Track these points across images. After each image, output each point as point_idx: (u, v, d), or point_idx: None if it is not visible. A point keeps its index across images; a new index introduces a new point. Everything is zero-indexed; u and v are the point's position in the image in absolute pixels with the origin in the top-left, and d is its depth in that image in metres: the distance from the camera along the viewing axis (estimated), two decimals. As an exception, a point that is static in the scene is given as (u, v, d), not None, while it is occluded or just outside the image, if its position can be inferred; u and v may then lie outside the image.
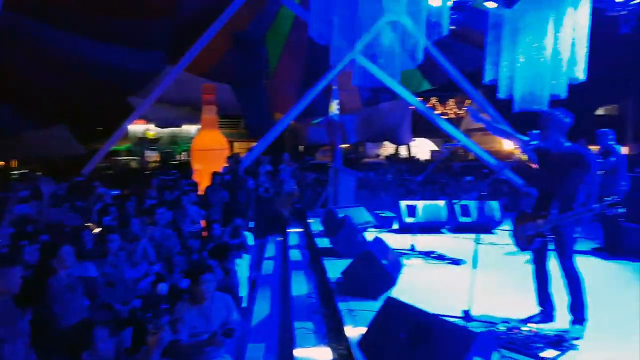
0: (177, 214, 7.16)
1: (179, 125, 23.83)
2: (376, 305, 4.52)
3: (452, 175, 16.66)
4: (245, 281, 5.97)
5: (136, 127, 24.09)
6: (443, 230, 8.90)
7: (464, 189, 12.85)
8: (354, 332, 3.98)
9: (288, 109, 11.14)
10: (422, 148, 30.93)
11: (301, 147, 23.90)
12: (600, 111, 26.47)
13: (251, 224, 8.82)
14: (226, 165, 9.86)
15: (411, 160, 25.49)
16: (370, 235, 7.11)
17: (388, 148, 30.10)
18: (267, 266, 7.47)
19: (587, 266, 6.20)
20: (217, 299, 3.82)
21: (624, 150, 18.33)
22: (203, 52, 12.04)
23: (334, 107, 10.04)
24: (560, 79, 9.12)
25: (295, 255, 7.50)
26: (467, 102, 24.62)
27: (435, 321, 2.88)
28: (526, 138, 4.27)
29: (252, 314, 5.60)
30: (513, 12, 8.74)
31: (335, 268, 5.80)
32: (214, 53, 13.16)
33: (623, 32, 11.42)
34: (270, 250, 8.60)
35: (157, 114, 16.93)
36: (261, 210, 9.53)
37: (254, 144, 12.68)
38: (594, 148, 7.96)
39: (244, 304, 5.62)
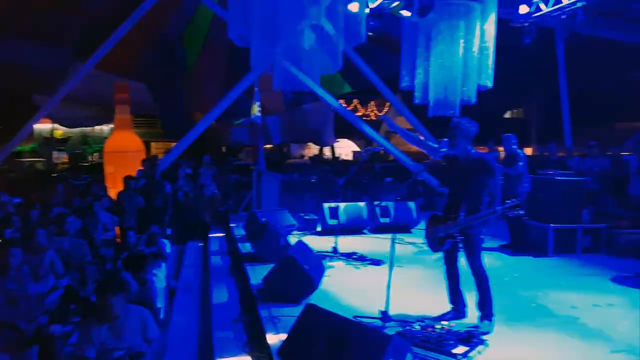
0: (87, 221, 6.78)
1: (90, 125, 22.55)
2: (299, 310, 4.57)
3: (373, 176, 17.09)
4: (162, 291, 5.76)
5: (42, 127, 22.50)
6: (365, 231, 9.10)
7: (384, 190, 13.25)
8: (275, 339, 3.97)
9: (208, 110, 10.89)
10: (346, 149, 31.50)
11: (224, 149, 23.50)
12: (507, 114, 28.30)
13: (169, 231, 8.51)
14: (141, 168, 9.46)
15: (335, 161, 25.86)
16: (294, 238, 7.14)
17: (312, 149, 30.35)
18: (187, 274, 7.26)
19: (495, 263, 6.68)
20: (131, 314, 3.66)
21: (528, 151, 19.61)
22: (116, 49, 11.48)
23: (256, 109, 9.97)
24: (471, 85, 9.61)
25: (216, 261, 7.36)
26: (388, 104, 25.40)
27: (352, 326, 2.94)
28: (436, 145, 4.47)
29: (170, 325, 5.42)
30: (426, 20, 9.09)
31: (258, 274, 5.76)
32: (127, 50, 12.58)
33: (525, 42, 12.27)
34: (190, 257, 8.37)
35: (66, 113, 15.92)
36: (180, 216, 9.25)
37: (173, 145, 12.29)
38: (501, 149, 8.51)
39: (162, 316, 5.43)
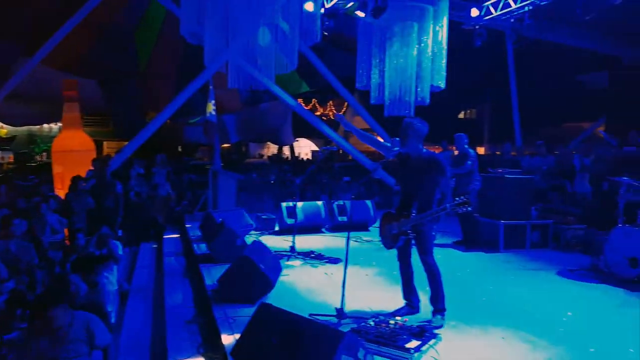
0: (34, 223, 6.52)
1: (37, 124, 21.65)
2: (253, 309, 4.55)
3: (332, 175, 17.19)
4: (114, 294, 5.60)
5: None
6: (323, 230, 9.14)
7: (342, 188, 13.35)
8: (230, 339, 3.93)
9: (161, 108, 10.65)
10: (305, 148, 31.53)
11: (180, 148, 23.08)
12: (461, 115, 29.01)
13: (121, 232, 8.29)
14: (91, 168, 9.17)
15: (295, 160, 25.83)
16: (252, 238, 7.10)
17: (271, 148, 30.23)
18: (140, 276, 7.10)
19: (448, 259, 6.85)
20: (76, 321, 3.51)
21: (481, 150, 20.11)
22: (64, 44, 11.05)
23: (211, 108, 9.84)
24: (425, 86, 9.82)
25: (171, 263, 7.22)
26: (346, 104, 25.56)
27: (304, 323, 2.94)
28: (389, 144, 4.53)
29: (122, 328, 5.29)
30: (380, 21, 9.21)
31: (213, 274, 5.70)
32: (76, 46, 12.16)
33: (477, 45, 12.63)
34: (144, 259, 8.19)
35: (12, 110, 15.23)
36: (132, 217, 9.01)
37: (125, 144, 11.95)
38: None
39: (113, 320, 5.28)
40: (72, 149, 11.96)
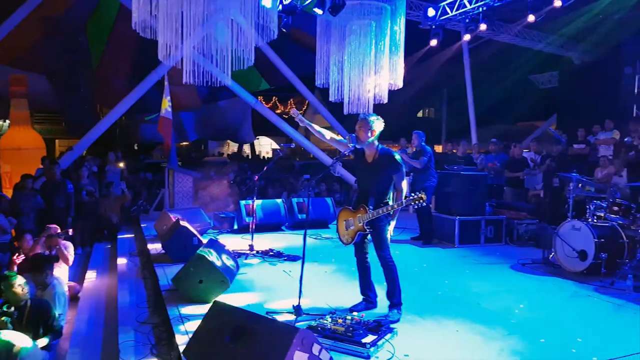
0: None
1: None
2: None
3: (293, 173, 17.16)
4: (64, 296, 5.39)
5: None
6: (283, 227, 9.09)
7: (302, 186, 13.33)
8: (184, 339, 3.84)
9: (115, 104, 10.34)
10: (267, 147, 31.37)
11: (136, 146, 22.54)
12: (420, 114, 29.48)
13: (72, 233, 7.99)
14: (41, 166, 8.81)
15: (256, 159, 25.66)
16: (209, 237, 6.97)
17: (232, 147, 29.90)
18: (92, 277, 6.87)
19: (406, 254, 6.93)
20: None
21: (438, 148, 20.53)
22: (10, 38, 10.55)
23: (167, 104, 9.62)
24: (382, 84, 9.89)
25: (124, 263, 7.02)
26: (307, 102, 25.55)
27: (257, 321, 2.90)
28: (345, 140, 4.53)
29: (73, 331, 5.10)
30: (339, 19, 9.22)
31: (168, 274, 5.57)
32: (24, 40, 11.64)
33: (433, 44, 12.83)
34: (97, 260, 7.94)
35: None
36: (84, 217, 8.72)
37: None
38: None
39: (63, 322, 5.08)
40: (20, 147, 11.50)
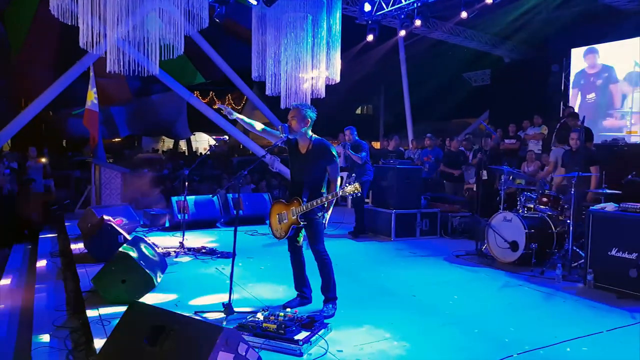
0: None
1: None
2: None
3: (230, 169, 16.80)
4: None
5: None
6: (218, 224, 8.79)
7: (239, 182, 13.02)
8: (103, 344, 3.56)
9: (37, 96, 9.62)
10: (204, 143, 30.59)
11: (64, 142, 21.32)
12: (358, 110, 29.78)
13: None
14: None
15: (192, 155, 24.92)
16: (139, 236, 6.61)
17: (167, 142, 28.97)
18: (8, 280, 6.33)
19: (342, 248, 6.86)
20: None
21: (376, 145, 20.70)
22: None
23: (92, 96, 9.06)
24: (320, 79, 9.79)
25: (45, 264, 6.51)
26: (246, 97, 25.11)
27: (179, 320, 2.67)
28: (277, 132, 4.36)
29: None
30: (274, 10, 9.04)
31: (91, 275, 5.18)
32: None
33: (369, 40, 12.89)
34: (15, 261, 7.35)
35: None
36: (3, 215, 8.06)
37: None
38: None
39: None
40: None
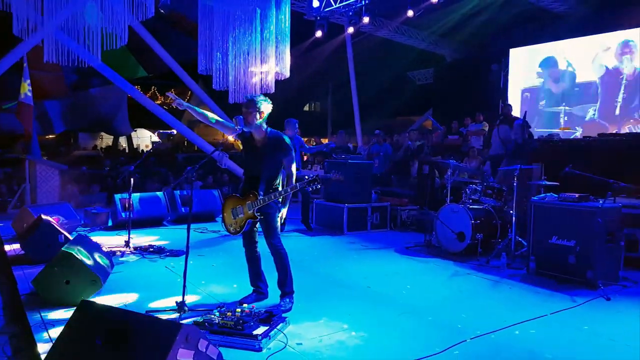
0: None
1: None
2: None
3: (175, 166, 16.35)
4: None
5: None
6: (165, 222, 8.54)
7: (186, 179, 12.70)
8: (48, 347, 3.36)
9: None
10: (146, 139, 29.61)
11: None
12: (306, 107, 29.79)
13: None
14: None
15: (133, 152, 24.06)
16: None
17: (106, 139, 27.83)
18: None
19: (297, 243, 6.84)
20: None
21: (325, 141, 20.74)
22: None
23: (26, 88, 8.53)
24: (269, 74, 9.71)
25: (-25, 267, 6.07)
26: (190, 92, 24.50)
27: (134, 319, 2.56)
28: (232, 125, 4.27)
29: None
30: (222, 4, 8.87)
31: (29, 277, 4.89)
32: None
33: (317, 36, 12.92)
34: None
35: None
36: None
37: None
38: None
39: None
40: None
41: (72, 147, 21.86)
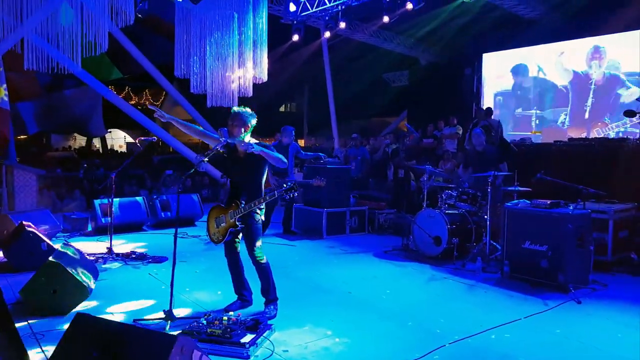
0: None
1: None
2: (68, 321, 4.00)
3: (151, 169, 16.23)
4: None
5: None
6: (144, 227, 8.54)
7: (164, 183, 12.66)
8: (39, 358, 3.41)
9: None
10: (119, 140, 29.23)
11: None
12: (282, 108, 29.81)
13: None
14: None
15: (108, 153, 23.75)
16: (59, 242, 6.30)
17: (79, 140, 27.37)
18: None
19: (276, 249, 6.95)
20: None
21: (301, 142, 20.79)
22: None
23: (2, 93, 8.40)
24: (247, 77, 9.77)
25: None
26: (164, 93, 24.29)
27: (129, 331, 2.65)
28: (215, 135, 4.36)
29: None
30: (199, 7, 8.90)
31: (14, 285, 4.90)
32: None
33: (294, 39, 13.02)
34: None
35: None
36: None
37: None
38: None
39: None
40: None
41: (44, 148, 21.46)
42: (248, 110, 4.31)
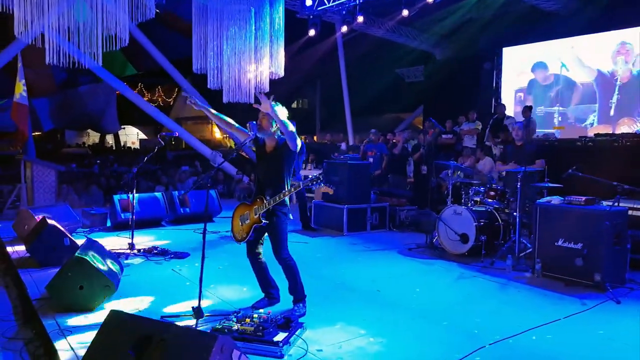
0: None
1: None
2: (95, 317, 3.97)
3: (166, 164, 16.24)
4: None
5: None
6: (163, 223, 8.49)
7: (180, 178, 12.62)
8: (69, 355, 3.35)
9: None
10: (132, 136, 29.35)
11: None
12: (294, 104, 29.72)
13: None
14: None
15: (121, 149, 23.85)
16: (80, 237, 6.27)
17: (93, 136, 27.53)
18: None
19: (298, 246, 6.85)
20: None
21: (314, 138, 20.68)
22: None
23: (21, 89, 8.39)
24: (264, 72, 9.67)
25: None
26: (177, 89, 24.28)
27: (166, 329, 2.55)
28: (246, 130, 4.26)
29: None
30: (216, 3, 8.82)
31: (39, 280, 4.86)
32: None
33: (310, 35, 12.90)
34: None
35: None
36: None
37: None
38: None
39: None
40: None
41: (59, 145, 21.58)
42: (279, 104, 4.19)
